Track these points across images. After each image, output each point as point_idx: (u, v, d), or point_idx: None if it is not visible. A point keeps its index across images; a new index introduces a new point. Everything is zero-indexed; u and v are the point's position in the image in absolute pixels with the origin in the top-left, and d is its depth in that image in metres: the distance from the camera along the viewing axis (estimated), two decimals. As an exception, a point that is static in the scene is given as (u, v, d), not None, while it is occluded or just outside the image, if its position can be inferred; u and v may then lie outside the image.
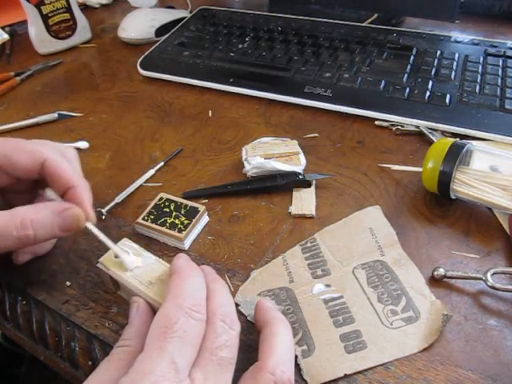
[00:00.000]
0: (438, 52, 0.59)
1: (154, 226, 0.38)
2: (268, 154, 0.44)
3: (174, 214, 0.39)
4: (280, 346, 0.27)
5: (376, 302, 0.33)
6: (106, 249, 0.33)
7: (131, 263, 0.32)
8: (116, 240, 0.34)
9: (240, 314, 0.33)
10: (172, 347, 0.24)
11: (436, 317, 0.31)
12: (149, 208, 0.40)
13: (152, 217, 0.39)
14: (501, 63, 0.56)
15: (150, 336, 0.25)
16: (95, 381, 0.26)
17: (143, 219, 0.39)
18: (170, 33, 0.69)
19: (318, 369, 0.29)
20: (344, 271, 0.35)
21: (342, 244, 0.37)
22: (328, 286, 0.34)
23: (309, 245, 0.37)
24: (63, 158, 0.34)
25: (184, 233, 0.37)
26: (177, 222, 0.38)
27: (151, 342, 0.25)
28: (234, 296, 0.34)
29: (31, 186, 0.36)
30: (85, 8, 0.82)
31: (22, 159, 0.33)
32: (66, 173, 0.33)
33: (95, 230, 0.32)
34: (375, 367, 0.30)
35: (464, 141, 0.40)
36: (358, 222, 0.39)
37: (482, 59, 0.57)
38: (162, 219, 0.38)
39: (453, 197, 0.39)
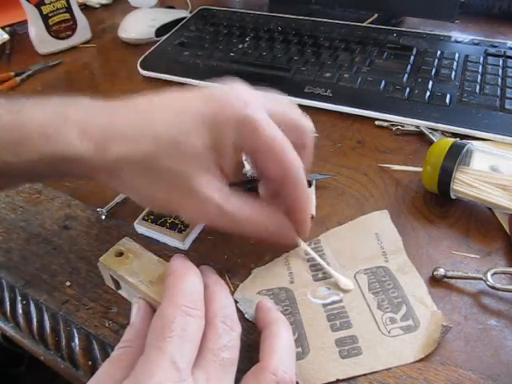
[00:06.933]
0: (438, 52, 0.59)
1: (154, 225, 0.38)
2: (268, 153, 0.44)
3: (174, 213, 0.39)
4: (281, 347, 0.27)
5: (375, 309, 0.32)
6: (106, 248, 0.33)
7: (346, 286, 0.33)
8: (116, 240, 0.34)
9: (239, 312, 0.33)
10: (171, 347, 0.24)
11: (435, 327, 0.30)
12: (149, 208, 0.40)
13: (152, 217, 0.39)
14: (501, 63, 0.56)
15: (150, 337, 0.25)
16: (97, 382, 0.26)
17: (143, 219, 0.39)
18: (170, 33, 0.69)
19: (311, 372, 0.29)
20: (346, 275, 0.34)
21: (347, 247, 0.37)
22: (328, 288, 0.34)
23: (312, 246, 0.37)
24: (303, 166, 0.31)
25: (184, 233, 0.37)
26: (177, 221, 0.38)
27: (151, 344, 0.25)
28: (233, 295, 0.34)
29: None
30: (85, 8, 0.81)
31: (270, 167, 0.30)
32: (300, 199, 0.32)
33: (309, 250, 0.35)
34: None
35: (464, 141, 0.40)
36: (365, 226, 0.38)
37: (482, 59, 0.57)
38: (162, 219, 0.38)
39: (453, 197, 0.39)
